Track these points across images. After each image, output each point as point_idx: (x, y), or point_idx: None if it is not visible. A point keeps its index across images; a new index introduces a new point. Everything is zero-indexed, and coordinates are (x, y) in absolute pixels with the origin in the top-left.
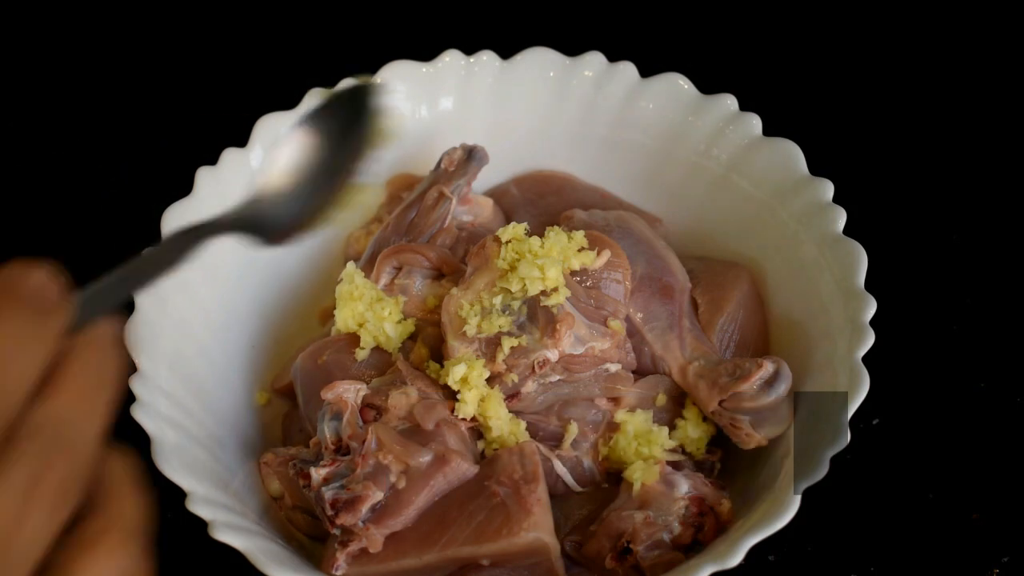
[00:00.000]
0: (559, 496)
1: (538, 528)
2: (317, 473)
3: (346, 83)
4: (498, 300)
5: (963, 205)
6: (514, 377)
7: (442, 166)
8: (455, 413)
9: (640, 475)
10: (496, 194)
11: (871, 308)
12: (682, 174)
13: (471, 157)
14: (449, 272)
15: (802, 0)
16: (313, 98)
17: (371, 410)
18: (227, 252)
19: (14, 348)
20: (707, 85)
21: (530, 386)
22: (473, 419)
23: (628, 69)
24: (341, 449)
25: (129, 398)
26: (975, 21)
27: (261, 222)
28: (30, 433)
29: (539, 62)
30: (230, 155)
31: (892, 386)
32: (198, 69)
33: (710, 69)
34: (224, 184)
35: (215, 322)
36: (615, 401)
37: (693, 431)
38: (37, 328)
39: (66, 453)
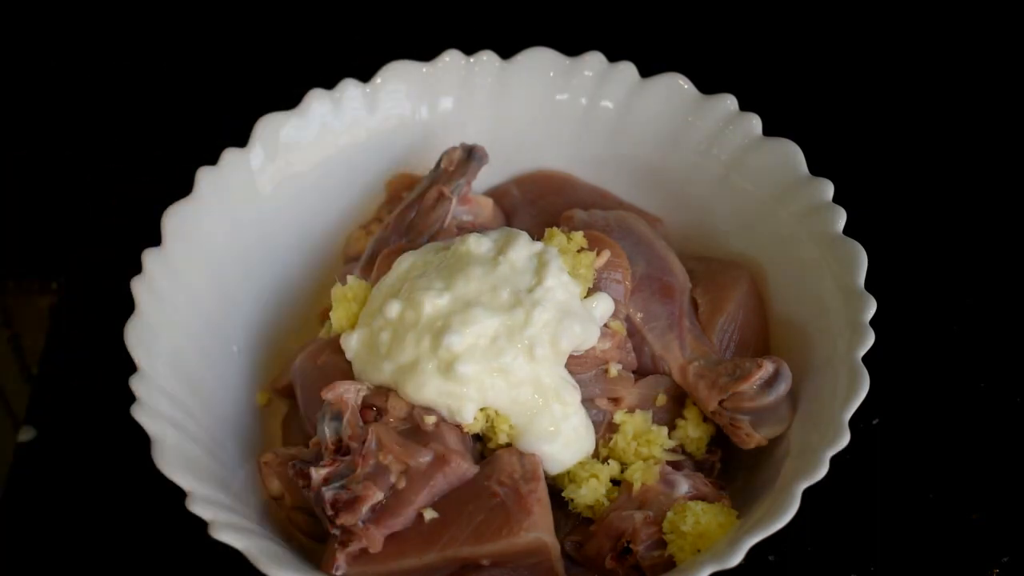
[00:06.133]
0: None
1: (538, 528)
2: (317, 473)
3: (345, 83)
4: None
5: (963, 205)
6: None
7: (442, 166)
8: (463, 428)
9: (640, 475)
10: (496, 194)
11: (871, 308)
12: (682, 174)
13: (471, 157)
14: None
15: (802, 0)
16: (313, 98)
17: (371, 410)
18: (227, 252)
19: None
20: (707, 85)
21: None
22: None
23: (628, 69)
24: (341, 449)
25: (129, 398)
26: (975, 21)
27: None
28: None
29: (539, 62)
30: (230, 155)
31: (892, 386)
32: (198, 69)
33: (710, 69)
34: (224, 184)
35: (215, 322)
36: (615, 401)
37: (693, 431)
38: None
39: None
